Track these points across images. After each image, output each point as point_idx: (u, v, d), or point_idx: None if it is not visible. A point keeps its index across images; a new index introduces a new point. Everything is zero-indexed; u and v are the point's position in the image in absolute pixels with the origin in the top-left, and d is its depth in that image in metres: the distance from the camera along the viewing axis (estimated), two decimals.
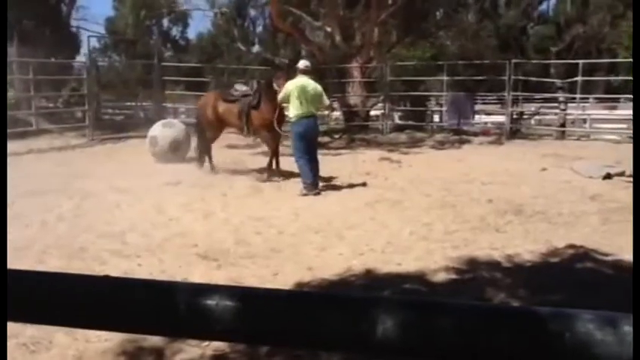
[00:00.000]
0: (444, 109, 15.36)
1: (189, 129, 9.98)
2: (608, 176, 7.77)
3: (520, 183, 7.61)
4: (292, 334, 0.92)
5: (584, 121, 15.92)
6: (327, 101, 7.83)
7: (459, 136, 13.41)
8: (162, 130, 9.72)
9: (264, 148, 8.44)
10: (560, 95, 13.48)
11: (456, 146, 12.19)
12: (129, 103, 18.36)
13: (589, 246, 4.64)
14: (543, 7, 31.66)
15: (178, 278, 3.88)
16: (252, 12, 28.12)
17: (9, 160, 6.49)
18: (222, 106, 8.40)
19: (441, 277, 4.06)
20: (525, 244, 4.78)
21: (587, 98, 18.03)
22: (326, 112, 13.19)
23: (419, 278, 4.01)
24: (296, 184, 7.32)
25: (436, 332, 0.85)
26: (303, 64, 7.47)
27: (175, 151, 9.57)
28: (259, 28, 30.33)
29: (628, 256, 4.16)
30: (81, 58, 21.31)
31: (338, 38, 15.47)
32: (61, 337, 3.02)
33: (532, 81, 16.63)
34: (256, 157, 9.41)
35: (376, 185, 7.61)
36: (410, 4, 15.99)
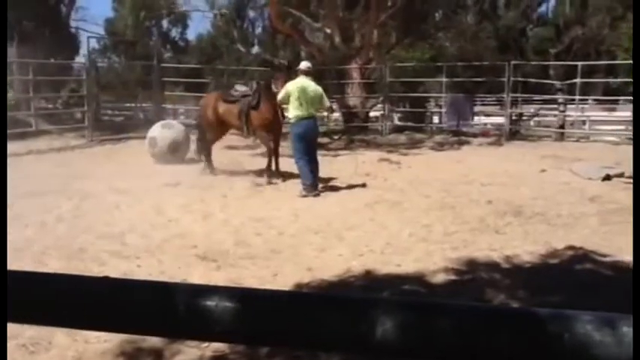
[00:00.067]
0: (444, 110, 15.35)
1: (189, 130, 9.99)
2: (607, 178, 7.77)
3: (519, 184, 7.61)
4: (292, 335, 0.92)
5: (584, 122, 15.96)
6: (327, 103, 7.84)
7: (459, 137, 13.40)
8: (162, 131, 9.71)
9: (264, 149, 8.45)
10: (560, 97, 13.46)
11: (455, 147, 12.18)
12: (128, 104, 18.32)
13: (588, 247, 4.64)
14: (542, 8, 31.75)
15: (178, 279, 3.88)
16: (252, 13, 28.11)
17: (8, 160, 6.48)
18: (222, 107, 8.42)
19: (440, 278, 4.06)
20: (524, 246, 4.78)
21: (587, 100, 18.04)
22: (325, 114, 13.19)
23: (418, 279, 4.01)
24: (296, 185, 7.33)
25: (435, 333, 0.85)
26: (304, 65, 7.47)
27: (174, 152, 9.57)
28: (259, 30, 30.38)
29: (627, 257, 4.17)
30: (80, 59, 21.35)
31: (337, 39, 15.47)
32: (60, 337, 3.02)
33: (531, 82, 16.61)
34: (256, 159, 9.41)
35: (375, 186, 7.61)
36: (409, 5, 16.00)
